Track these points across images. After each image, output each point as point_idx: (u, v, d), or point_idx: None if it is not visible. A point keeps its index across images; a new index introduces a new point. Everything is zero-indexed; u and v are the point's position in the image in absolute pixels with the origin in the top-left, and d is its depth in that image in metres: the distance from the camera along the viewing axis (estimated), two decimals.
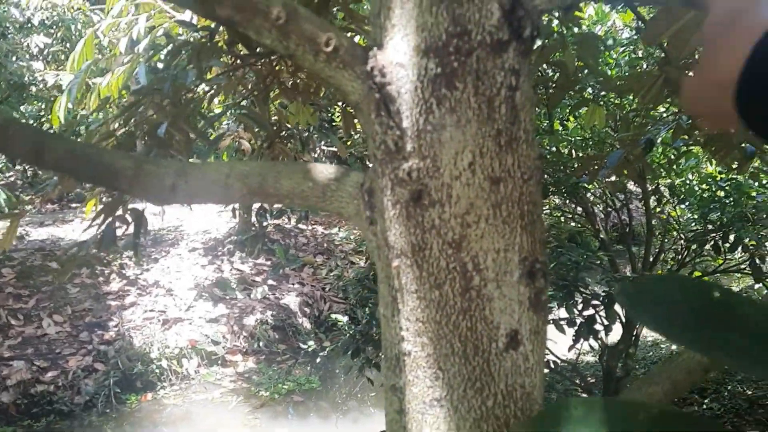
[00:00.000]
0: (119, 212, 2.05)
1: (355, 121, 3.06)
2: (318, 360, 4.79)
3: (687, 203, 3.51)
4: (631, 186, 3.70)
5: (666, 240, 3.61)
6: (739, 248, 3.18)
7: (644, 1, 0.60)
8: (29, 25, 6.49)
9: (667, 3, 0.76)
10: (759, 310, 0.43)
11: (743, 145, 2.13)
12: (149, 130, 2.18)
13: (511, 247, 0.70)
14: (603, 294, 2.86)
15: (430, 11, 0.65)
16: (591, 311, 2.84)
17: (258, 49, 2.18)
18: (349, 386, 4.80)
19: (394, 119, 0.68)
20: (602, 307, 2.84)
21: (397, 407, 0.78)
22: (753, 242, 3.21)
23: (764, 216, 3.20)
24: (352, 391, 4.78)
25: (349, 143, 4.82)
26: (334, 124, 5.11)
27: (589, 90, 2.90)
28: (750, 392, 3.61)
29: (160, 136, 2.10)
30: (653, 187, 3.44)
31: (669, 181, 3.56)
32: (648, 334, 4.71)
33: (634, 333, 3.26)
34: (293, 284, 6.04)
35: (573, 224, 3.81)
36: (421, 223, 0.69)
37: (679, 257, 3.52)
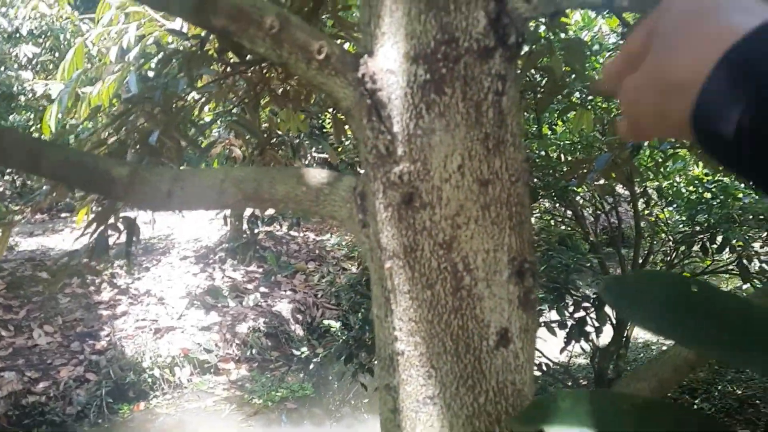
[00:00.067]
0: (111, 221, 2.05)
1: (346, 127, 3.08)
2: (311, 366, 4.79)
3: (675, 205, 3.56)
4: (619, 189, 3.74)
5: (655, 242, 3.65)
6: (727, 249, 3.22)
7: (628, 7, 0.62)
8: (17, 34, 6.47)
9: (650, 9, 0.79)
10: (734, 302, 0.45)
11: None
12: (140, 138, 2.19)
13: (500, 247, 0.72)
14: (593, 296, 2.89)
15: (419, 19, 0.68)
16: (582, 313, 2.86)
17: (248, 57, 2.19)
18: (342, 393, 4.80)
19: (385, 124, 0.70)
20: (593, 309, 2.86)
21: (391, 406, 0.79)
22: (740, 243, 3.26)
23: (750, 217, 3.25)
24: (345, 398, 4.78)
25: (339, 150, 4.84)
26: (324, 130, 5.14)
27: (577, 94, 2.94)
28: (740, 392, 3.65)
29: (152, 145, 2.11)
30: (641, 189, 3.48)
31: (657, 183, 3.60)
32: (639, 336, 4.75)
33: (625, 335, 3.29)
34: (285, 291, 6.04)
35: (563, 227, 3.84)
36: (413, 224, 0.71)
37: (668, 259, 3.56)
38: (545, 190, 2.95)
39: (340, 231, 7.33)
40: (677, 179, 3.76)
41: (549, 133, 3.71)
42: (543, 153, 3.08)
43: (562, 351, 3.00)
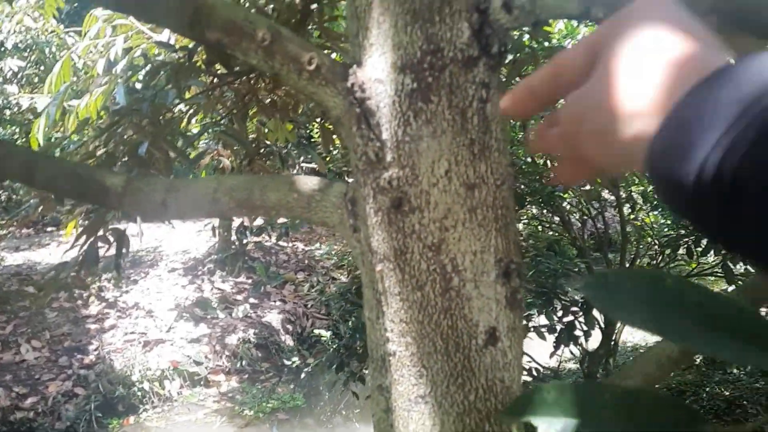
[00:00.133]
0: (100, 233, 2.06)
1: (334, 137, 3.11)
2: (302, 376, 4.78)
3: (660, 209, 3.61)
4: (605, 194, 3.79)
5: (641, 246, 3.70)
6: (711, 252, 3.28)
7: (604, 18, 0.65)
8: (2, 48, 6.45)
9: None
10: (706, 295, 0.48)
11: None
12: (129, 150, 2.20)
13: (487, 248, 0.75)
14: (582, 300, 2.93)
15: (405, 31, 0.70)
16: (570, 317, 2.90)
17: (236, 68, 2.22)
18: (333, 403, 4.79)
19: (374, 131, 0.73)
20: (581, 313, 2.90)
21: (384, 406, 0.81)
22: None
23: None
24: (336, 408, 4.78)
25: (328, 159, 4.86)
26: (312, 140, 5.16)
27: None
28: (728, 393, 3.69)
29: (141, 156, 2.12)
30: (626, 194, 3.53)
31: (642, 188, 3.66)
32: (627, 340, 4.80)
33: (614, 338, 3.33)
34: (275, 302, 6.03)
35: (551, 233, 3.88)
36: (402, 228, 0.74)
37: (654, 262, 3.61)
38: (532, 196, 2.99)
39: (329, 240, 7.34)
40: None
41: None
42: (529, 159, 3.12)
43: (552, 355, 3.03)
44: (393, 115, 0.72)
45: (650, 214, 3.78)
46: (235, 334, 5.38)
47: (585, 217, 3.72)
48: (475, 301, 0.74)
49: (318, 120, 3.41)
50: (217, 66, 2.29)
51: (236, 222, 5.67)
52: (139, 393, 4.55)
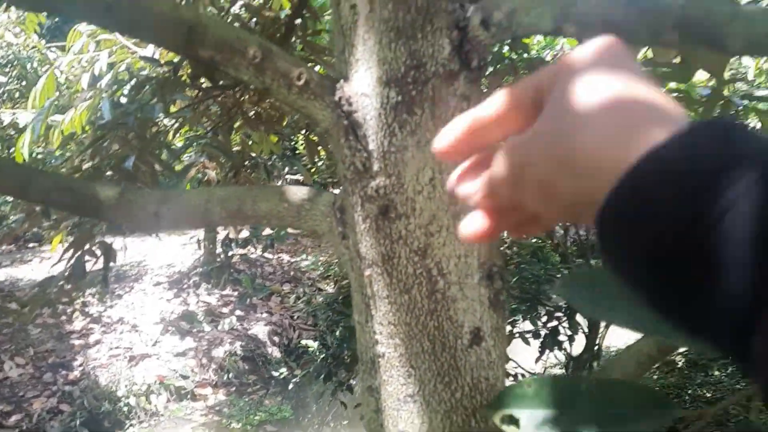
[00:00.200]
0: (87, 246, 2.07)
1: (319, 148, 3.14)
2: (290, 387, 4.78)
3: None
4: None
5: None
6: None
7: (575, 34, 0.69)
8: None
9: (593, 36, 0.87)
10: None
11: None
12: (116, 164, 2.21)
13: (471, 253, 0.79)
14: (565, 306, 2.97)
15: (390, 47, 0.74)
16: (554, 323, 2.95)
17: (221, 82, 2.25)
18: (321, 414, 4.79)
19: (361, 143, 0.77)
20: (565, 318, 2.95)
21: (374, 407, 0.84)
22: None
23: None
24: (324, 419, 4.78)
25: (313, 170, 4.89)
26: (297, 152, 5.19)
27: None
28: (709, 394, 3.76)
29: (128, 170, 2.14)
30: None
31: None
32: (611, 344, 4.86)
33: (597, 343, 3.38)
34: (261, 314, 6.02)
35: (534, 240, 3.94)
36: (390, 234, 0.77)
37: None
38: None
39: (315, 252, 7.35)
40: None
41: None
42: None
43: (537, 360, 3.07)
44: (379, 127, 0.76)
45: None
46: (222, 347, 5.36)
47: (567, 224, 3.78)
48: (459, 302, 0.78)
49: (302, 132, 3.45)
50: (202, 80, 2.32)
51: (221, 234, 5.67)
52: (126, 408, 4.52)
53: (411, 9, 0.73)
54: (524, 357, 3.02)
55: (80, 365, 4.72)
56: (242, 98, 2.50)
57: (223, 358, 5.26)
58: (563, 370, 3.71)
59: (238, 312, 5.95)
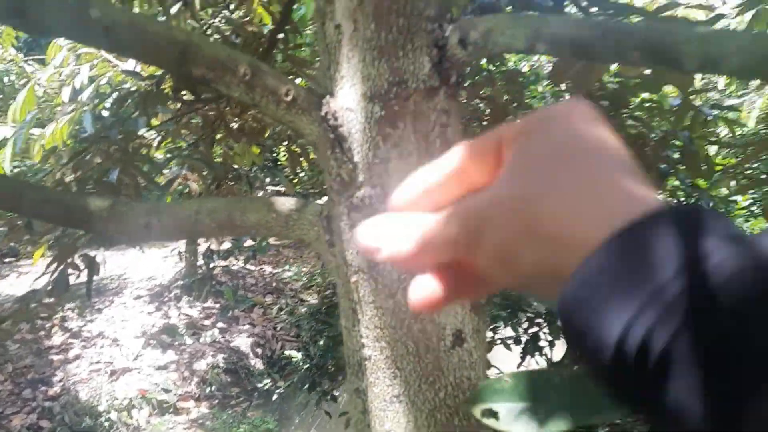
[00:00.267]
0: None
1: (301, 159, 3.17)
2: (274, 398, 4.77)
3: None
4: None
5: None
6: None
7: (545, 52, 0.73)
8: None
9: (563, 55, 0.92)
10: None
11: (660, 165, 2.35)
12: (99, 177, 2.23)
13: None
14: (545, 312, 3.03)
15: (373, 65, 0.79)
16: (535, 329, 3.00)
17: (203, 95, 2.28)
18: (305, 426, 4.79)
19: (346, 155, 0.81)
20: (546, 325, 3.01)
21: (361, 408, 0.88)
22: None
23: None
24: (309, 431, 4.77)
25: (295, 181, 4.92)
26: (279, 163, 5.22)
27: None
28: None
29: (111, 182, 2.15)
30: None
31: None
32: None
33: None
34: (244, 325, 6.01)
35: None
36: None
37: None
38: None
39: (297, 262, 7.35)
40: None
41: None
42: None
43: (519, 366, 3.12)
44: (364, 140, 0.80)
45: None
46: (204, 360, 5.34)
47: None
48: None
49: (284, 143, 3.48)
50: (184, 92, 2.35)
51: (203, 246, 5.66)
52: (107, 423, 4.47)
53: (393, 29, 0.78)
54: (506, 363, 3.07)
55: (60, 381, 4.67)
56: (225, 110, 2.53)
57: (206, 370, 5.24)
58: None
59: (220, 324, 5.92)
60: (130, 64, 2.81)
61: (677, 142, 2.23)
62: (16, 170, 5.50)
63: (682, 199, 3.69)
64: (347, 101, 0.80)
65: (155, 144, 2.82)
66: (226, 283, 6.62)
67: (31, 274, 5.25)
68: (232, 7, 2.72)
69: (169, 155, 3.09)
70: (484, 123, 2.76)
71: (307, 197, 5.34)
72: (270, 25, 2.50)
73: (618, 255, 0.23)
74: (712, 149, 3.24)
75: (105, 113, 2.77)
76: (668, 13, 1.38)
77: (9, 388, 4.47)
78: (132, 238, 0.95)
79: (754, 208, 4.03)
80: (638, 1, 4.29)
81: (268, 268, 7.32)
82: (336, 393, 3.25)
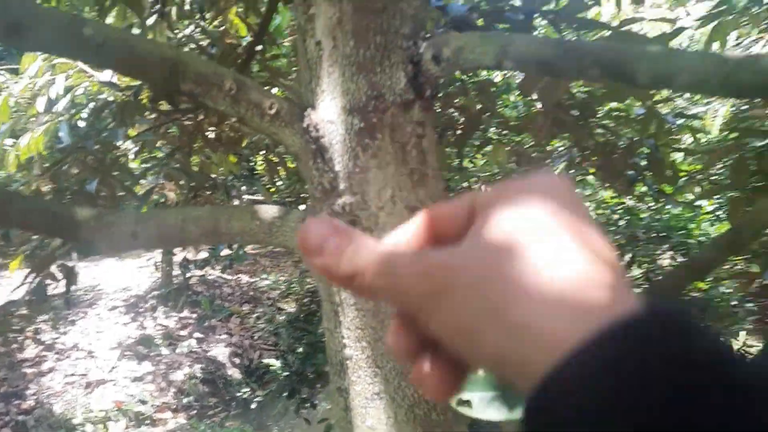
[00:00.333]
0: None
1: (278, 168, 3.21)
2: (252, 407, 4.76)
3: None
4: None
5: None
6: (635, 266, 3.54)
7: (514, 68, 0.78)
8: None
9: (529, 71, 0.98)
10: None
11: (628, 172, 2.44)
12: (77, 187, 2.23)
13: None
14: None
15: (352, 79, 0.83)
16: None
17: (181, 106, 2.30)
18: None
19: (328, 165, 0.85)
20: None
21: (343, 406, 0.92)
22: (646, 259, 3.58)
23: (653, 235, 3.59)
24: None
25: (272, 190, 4.94)
26: (256, 172, 5.23)
27: (492, 130, 3.20)
28: None
29: (90, 192, 2.16)
30: None
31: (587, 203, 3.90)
32: None
33: None
34: (221, 335, 5.98)
35: None
36: None
37: None
38: None
39: (274, 271, 7.34)
40: (586, 204, 4.08)
41: (471, 165, 3.97)
42: (465, 184, 3.31)
43: None
44: (344, 150, 0.85)
45: None
46: (181, 370, 5.30)
47: None
48: None
49: (262, 152, 3.51)
50: (161, 103, 2.37)
51: (179, 256, 5.63)
52: None
53: (370, 46, 0.83)
54: None
55: (34, 394, 4.60)
56: (202, 120, 2.56)
57: (183, 381, 5.20)
58: None
59: (197, 334, 5.89)
60: (107, 74, 2.81)
61: (644, 150, 2.32)
62: None
63: (651, 204, 3.80)
64: (328, 114, 0.85)
65: (132, 155, 2.83)
66: (202, 292, 6.58)
67: (4, 285, 5.18)
68: (208, 17, 2.75)
69: (145, 165, 3.10)
70: (458, 132, 2.83)
71: (285, 206, 5.36)
72: (247, 37, 2.54)
73: (594, 369, 0.21)
74: (679, 156, 3.35)
75: (81, 124, 2.77)
76: (633, 25, 1.45)
77: None
78: (118, 248, 0.98)
79: (719, 212, 4.17)
80: (605, 12, 4.42)
81: (245, 278, 7.30)
82: (315, 401, 3.27)
